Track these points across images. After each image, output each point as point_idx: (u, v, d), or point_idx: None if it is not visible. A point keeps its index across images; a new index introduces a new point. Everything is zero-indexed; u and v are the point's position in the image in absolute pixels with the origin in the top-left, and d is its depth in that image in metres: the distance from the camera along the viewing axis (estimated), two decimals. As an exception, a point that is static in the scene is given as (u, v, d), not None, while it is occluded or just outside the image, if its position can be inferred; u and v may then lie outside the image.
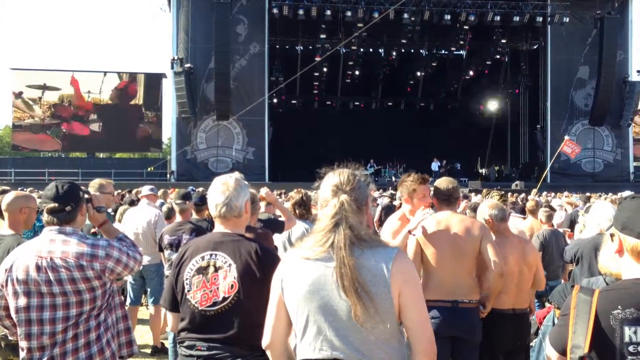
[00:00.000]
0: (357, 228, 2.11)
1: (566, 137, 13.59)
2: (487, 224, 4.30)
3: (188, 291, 2.73)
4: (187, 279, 2.74)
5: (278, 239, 5.31)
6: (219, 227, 2.83)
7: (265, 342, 2.25)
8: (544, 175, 12.42)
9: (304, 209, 5.59)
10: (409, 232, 3.96)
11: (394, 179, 26.01)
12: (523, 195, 14.70)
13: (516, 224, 6.80)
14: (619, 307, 1.82)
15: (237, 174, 2.90)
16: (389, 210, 10.39)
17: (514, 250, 4.28)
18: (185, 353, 2.74)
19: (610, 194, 16.39)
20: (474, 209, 7.71)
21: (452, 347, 3.97)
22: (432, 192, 4.29)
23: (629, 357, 1.80)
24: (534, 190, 12.46)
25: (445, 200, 4.15)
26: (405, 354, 2.15)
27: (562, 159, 27.43)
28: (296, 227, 5.48)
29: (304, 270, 2.12)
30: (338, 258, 2.06)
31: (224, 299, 2.68)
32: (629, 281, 1.90)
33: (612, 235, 1.98)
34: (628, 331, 1.80)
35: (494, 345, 4.20)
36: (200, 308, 2.70)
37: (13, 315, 2.84)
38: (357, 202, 2.16)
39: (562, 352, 1.96)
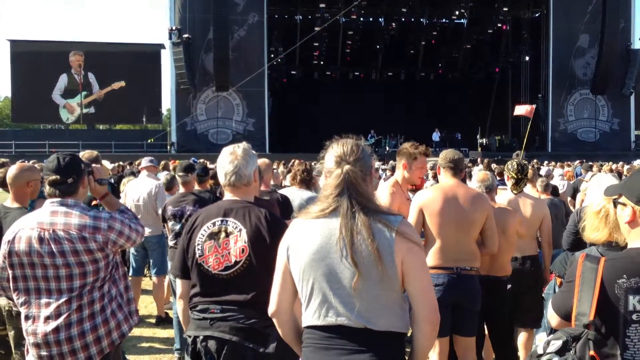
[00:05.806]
0: (361, 196, 2.12)
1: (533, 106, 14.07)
2: None
3: (200, 256, 2.76)
4: (198, 244, 2.77)
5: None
6: (229, 196, 2.87)
7: (271, 309, 2.27)
8: (524, 139, 12.35)
9: (307, 179, 5.59)
10: None
11: (392, 149, 25.93)
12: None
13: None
14: (624, 276, 1.84)
15: (244, 144, 2.91)
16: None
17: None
18: (198, 317, 2.76)
19: (610, 162, 16.36)
20: None
21: (453, 315, 4.00)
22: (437, 162, 4.30)
23: (633, 325, 1.83)
24: (519, 152, 12.28)
25: (450, 168, 4.14)
26: (408, 320, 2.17)
27: (561, 128, 27.33)
28: (296, 196, 5.48)
29: (308, 238, 2.14)
30: (341, 226, 2.07)
31: (236, 262, 2.72)
32: (635, 250, 1.91)
33: (623, 205, 1.96)
34: (632, 300, 1.82)
35: None
36: (213, 272, 2.74)
37: (17, 286, 2.85)
38: (361, 171, 2.16)
39: (565, 317, 1.99)
